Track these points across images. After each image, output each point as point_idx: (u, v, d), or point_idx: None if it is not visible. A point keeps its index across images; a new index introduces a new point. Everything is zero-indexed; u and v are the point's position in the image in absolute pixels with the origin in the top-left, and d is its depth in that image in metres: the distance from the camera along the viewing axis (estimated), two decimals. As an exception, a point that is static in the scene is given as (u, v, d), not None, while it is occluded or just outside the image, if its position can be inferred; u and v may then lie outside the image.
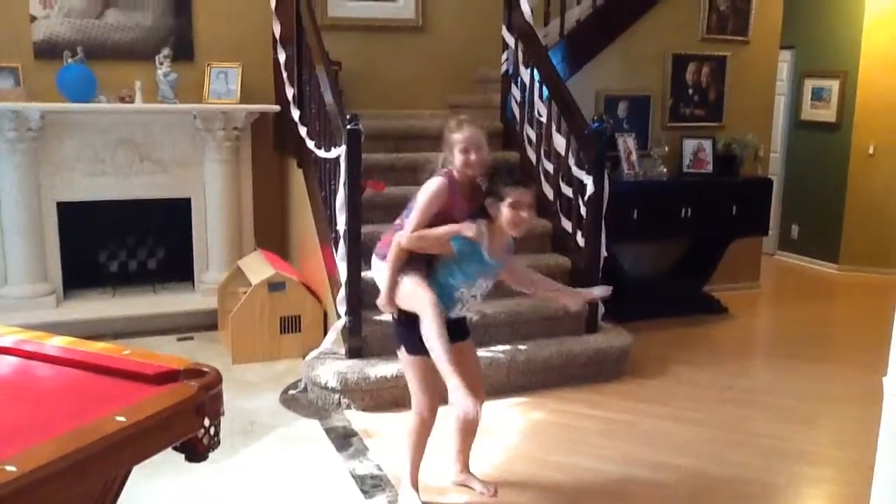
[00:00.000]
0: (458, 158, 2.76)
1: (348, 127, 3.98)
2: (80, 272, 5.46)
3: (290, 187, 5.58)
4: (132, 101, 5.17)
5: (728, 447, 3.63)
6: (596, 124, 4.54)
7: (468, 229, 2.67)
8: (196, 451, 2.12)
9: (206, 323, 5.21)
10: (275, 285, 4.67)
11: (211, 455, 3.12)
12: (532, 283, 3.08)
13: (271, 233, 5.77)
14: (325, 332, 4.57)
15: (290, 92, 5.09)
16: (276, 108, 5.41)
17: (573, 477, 3.30)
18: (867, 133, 7.06)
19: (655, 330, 5.30)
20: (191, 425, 2.04)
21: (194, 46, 5.46)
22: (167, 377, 2.13)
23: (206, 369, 2.17)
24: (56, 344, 2.36)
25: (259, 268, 4.91)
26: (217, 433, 2.16)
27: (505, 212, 2.69)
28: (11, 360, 2.31)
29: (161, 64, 5.25)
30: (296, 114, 4.96)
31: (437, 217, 2.74)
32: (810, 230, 7.59)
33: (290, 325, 4.73)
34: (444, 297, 2.75)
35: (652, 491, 3.24)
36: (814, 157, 7.50)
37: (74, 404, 1.99)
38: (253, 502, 3.09)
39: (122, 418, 1.84)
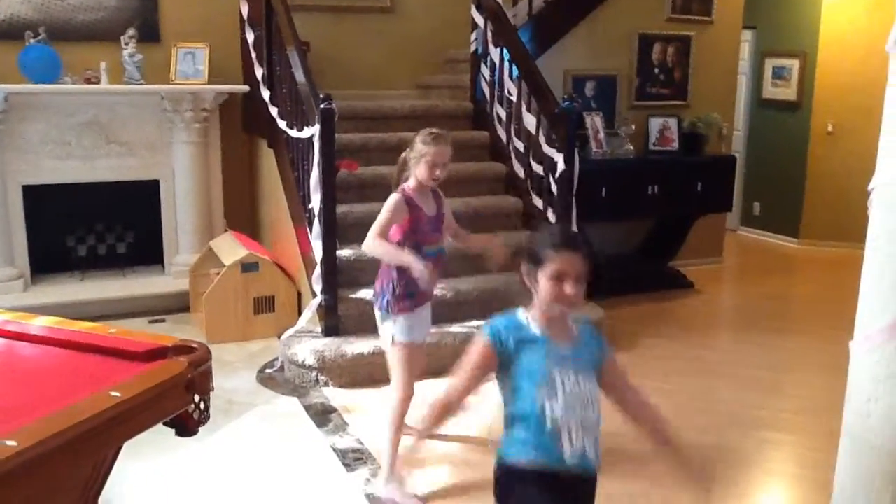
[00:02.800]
0: (423, 170, 2.93)
1: (322, 106, 3.99)
2: (48, 256, 5.40)
3: (260, 168, 5.56)
4: (98, 83, 5.11)
5: (698, 415, 3.75)
6: (566, 103, 4.60)
7: (416, 270, 2.78)
8: (186, 427, 2.14)
9: (177, 305, 5.19)
10: (248, 265, 4.68)
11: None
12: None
13: (242, 214, 5.75)
14: (300, 312, 4.60)
15: (259, 72, 5.07)
16: (245, 88, 5.38)
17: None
18: (826, 112, 7.23)
19: (625, 305, 5.41)
20: (182, 400, 2.06)
21: (160, 27, 5.40)
22: (156, 354, 2.15)
23: (194, 346, 2.19)
24: (40, 324, 2.36)
25: (231, 249, 4.90)
26: (207, 408, 2.19)
27: (543, 284, 1.95)
28: (-5, 342, 2.31)
29: (126, 45, 5.18)
30: (266, 94, 4.95)
31: (405, 221, 2.96)
32: (772, 206, 7.77)
33: (264, 305, 4.74)
34: (537, 432, 1.92)
35: (620, 456, 3.33)
36: (775, 136, 7.67)
37: (66, 382, 2.00)
38: (237, 478, 3.13)
39: (116, 394, 1.86)
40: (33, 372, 2.12)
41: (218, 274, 4.80)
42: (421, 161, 2.92)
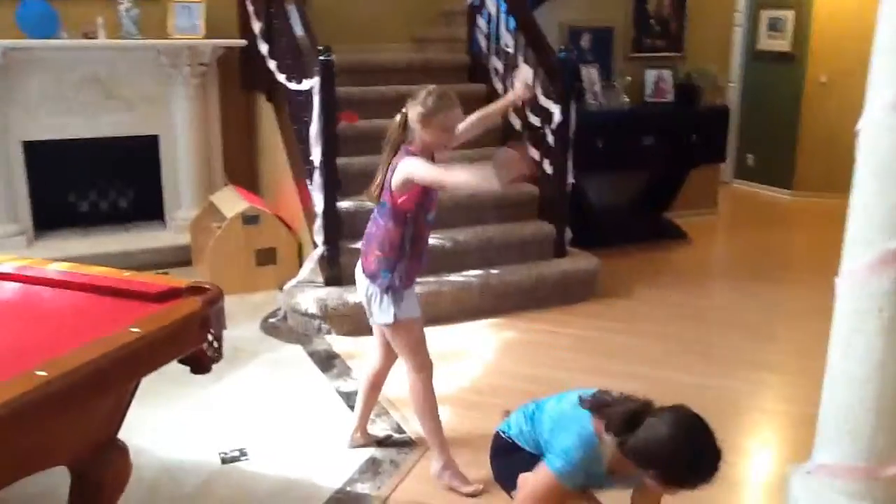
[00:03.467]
0: (434, 134, 2.63)
1: (321, 58, 4.03)
2: (51, 213, 5.45)
3: (259, 122, 5.60)
4: (95, 38, 5.12)
5: (692, 358, 3.87)
6: (562, 54, 4.64)
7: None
8: (201, 363, 2.25)
9: (179, 259, 5.26)
10: (249, 218, 4.75)
11: (199, 381, 3.28)
12: None
13: (241, 168, 5.79)
14: (301, 264, 4.69)
15: (256, 26, 5.09)
16: (243, 42, 5.39)
17: (546, 387, 3.46)
18: (821, 63, 7.26)
19: (620, 256, 5.50)
20: (197, 337, 2.17)
21: (157, -19, 5.40)
22: (170, 294, 2.25)
23: (207, 286, 2.29)
24: (56, 268, 2.45)
25: (232, 202, 4.97)
26: (220, 346, 2.29)
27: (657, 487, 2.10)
28: (14, 286, 2.40)
29: (122, 0, 5.19)
30: (264, 48, 4.97)
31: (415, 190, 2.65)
32: (765, 158, 7.84)
33: (266, 257, 4.82)
34: None
35: (622, 397, 3.47)
36: (769, 87, 7.70)
37: (86, 321, 2.10)
38: (247, 419, 3.24)
39: (136, 329, 1.95)
40: (54, 313, 2.21)
41: (219, 227, 4.88)
42: (432, 124, 2.62)
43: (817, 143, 7.34)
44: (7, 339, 2.02)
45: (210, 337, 2.21)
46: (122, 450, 2.22)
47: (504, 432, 2.41)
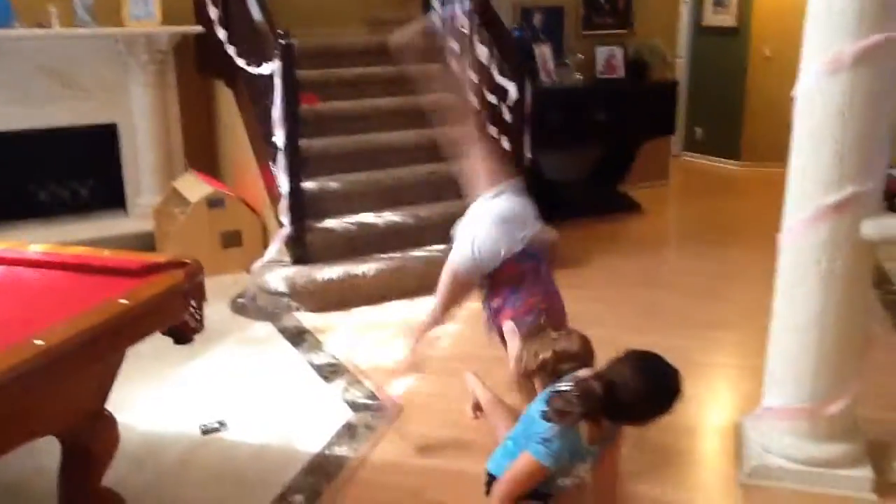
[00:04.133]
0: None
1: (281, 42, 4.11)
2: (9, 203, 5.44)
3: (218, 107, 5.64)
4: (49, 28, 5.11)
5: (647, 319, 4.07)
6: (517, 32, 4.78)
7: None
8: (184, 334, 2.35)
9: (142, 245, 5.26)
10: (214, 202, 4.82)
11: (174, 359, 3.37)
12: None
13: (201, 153, 5.82)
14: (266, 246, 4.78)
15: (213, 12, 5.12)
16: (200, 29, 5.42)
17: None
18: (764, 37, 7.50)
19: (578, 227, 5.67)
20: (180, 309, 2.27)
21: (109, -31, 5.39)
22: (151, 269, 2.34)
23: (187, 261, 2.38)
24: (36, 249, 2.52)
25: (196, 187, 5.03)
26: (202, 318, 2.39)
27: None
28: (-4, 267, 2.46)
29: (76, -12, 5.18)
30: (222, 34, 5.01)
31: None
32: (713, 131, 8.09)
33: (232, 239, 4.89)
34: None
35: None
36: (715, 62, 7.93)
37: (73, 296, 2.18)
38: (223, 395, 3.33)
39: (125, 301, 2.05)
40: (39, 290, 2.29)
41: (183, 213, 4.94)
42: None
43: (762, 114, 7.60)
44: (-4, 316, 2.10)
45: (192, 308, 2.31)
46: (110, 420, 2.32)
47: (493, 473, 2.37)
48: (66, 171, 5.64)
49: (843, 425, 2.63)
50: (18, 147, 5.33)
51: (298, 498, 2.59)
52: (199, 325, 2.37)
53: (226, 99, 5.33)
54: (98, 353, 1.99)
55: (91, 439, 2.25)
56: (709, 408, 3.31)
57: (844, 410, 2.58)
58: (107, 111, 5.44)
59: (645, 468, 2.80)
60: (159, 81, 5.49)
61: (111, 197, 5.67)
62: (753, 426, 2.79)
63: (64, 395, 2.02)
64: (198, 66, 5.74)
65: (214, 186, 4.98)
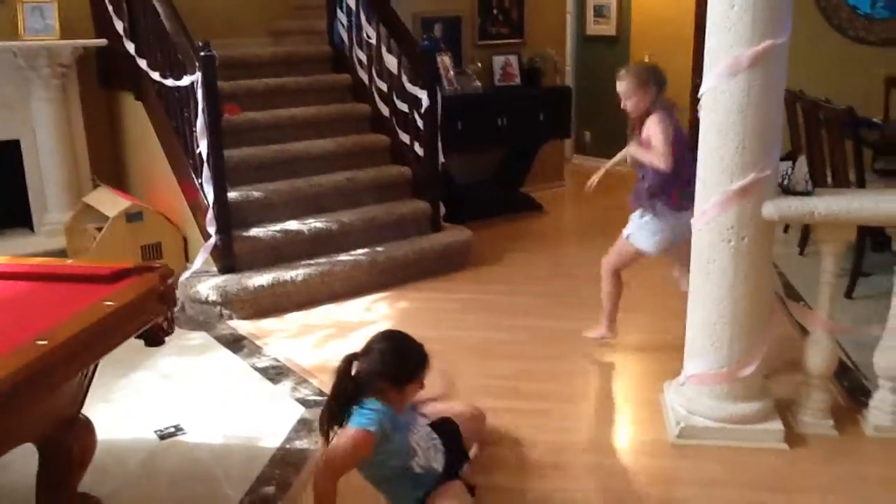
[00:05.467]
0: None
1: (202, 54, 4.16)
2: None
3: (125, 121, 5.59)
4: (-58, 42, 4.95)
5: (565, 308, 4.37)
6: (426, 43, 5.00)
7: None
8: (157, 336, 2.43)
9: (53, 264, 5.19)
10: (132, 215, 4.81)
11: (115, 371, 3.39)
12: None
13: (108, 168, 5.75)
14: (187, 257, 4.81)
15: (119, 25, 5.10)
16: (103, 42, 5.37)
17: (447, 344, 3.85)
18: (642, 44, 8.03)
19: (486, 228, 5.94)
20: (156, 311, 2.35)
21: (1, -18, 5.26)
22: (122, 275, 2.41)
23: (156, 265, 2.46)
24: (-4, 261, 2.53)
25: (111, 201, 4.99)
26: (173, 320, 2.48)
27: (410, 392, 2.52)
28: (-46, 281, 2.46)
29: (-32, 2, 5.04)
30: (131, 46, 4.99)
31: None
32: (601, 134, 8.57)
33: (152, 252, 4.88)
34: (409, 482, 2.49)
35: (514, 343, 3.93)
36: (599, 69, 8.40)
37: (55, 304, 2.23)
38: (174, 400, 3.37)
39: (110, 303, 2.12)
40: (17, 298, 2.31)
41: (97, 228, 4.89)
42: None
43: (645, 117, 8.13)
44: (-24, 326, 2.13)
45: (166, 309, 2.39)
46: (88, 424, 2.38)
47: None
48: (-35, 190, 5.46)
49: (755, 385, 2.98)
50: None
51: (269, 489, 2.71)
52: (170, 327, 2.46)
53: (135, 112, 5.29)
54: (90, 356, 2.06)
55: (70, 444, 2.30)
56: (631, 382, 3.63)
57: (756, 372, 2.93)
58: (8, 127, 5.32)
59: (581, 438, 3.06)
60: (62, 96, 5.41)
61: (15, 215, 5.52)
62: (678, 392, 3.11)
63: (53, 398, 2.07)
64: (101, 80, 5.67)
65: (130, 200, 4.95)
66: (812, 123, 4.91)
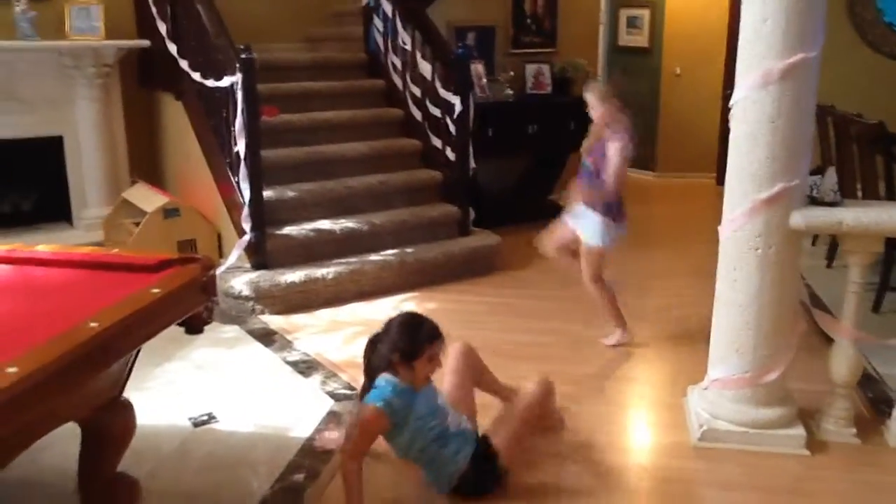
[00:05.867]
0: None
1: (242, 56, 4.28)
2: (-49, 218, 5.39)
3: (164, 120, 5.73)
4: (-8, 41, 5.12)
5: (588, 312, 4.39)
6: (460, 50, 5.10)
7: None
8: (198, 325, 2.52)
9: (91, 258, 5.33)
10: (170, 211, 4.94)
11: (152, 360, 3.48)
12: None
13: (145, 165, 5.90)
14: (220, 253, 4.92)
15: (162, 27, 5.24)
16: (146, 43, 5.52)
17: (473, 344, 3.90)
18: (674, 56, 8.09)
19: (513, 234, 5.97)
20: (199, 299, 2.45)
21: (50, -17, 5.43)
22: (166, 265, 2.51)
23: (197, 256, 2.56)
24: (45, 249, 2.64)
25: (149, 197, 5.12)
26: (213, 309, 2.57)
27: (421, 367, 2.63)
28: (6, 267, 2.57)
29: (18, 1, 5.21)
30: (173, 48, 5.13)
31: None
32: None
33: (187, 248, 5.00)
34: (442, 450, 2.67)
35: (539, 346, 4.00)
36: (630, 79, 8.45)
37: (103, 289, 2.33)
38: (208, 390, 3.47)
39: (157, 290, 2.22)
40: (66, 285, 2.42)
41: (135, 223, 5.03)
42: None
43: (674, 128, 8.18)
44: (31, 308, 2.24)
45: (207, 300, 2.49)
46: (128, 406, 2.47)
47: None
48: (8, 184, 5.62)
49: (778, 391, 3.01)
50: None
51: (299, 477, 2.79)
52: (210, 317, 2.55)
53: (174, 111, 5.43)
54: (136, 339, 2.15)
55: (111, 424, 2.40)
56: (652, 387, 3.67)
57: (780, 378, 2.97)
58: (52, 124, 5.47)
59: (604, 439, 3.11)
60: (104, 95, 5.56)
61: (55, 210, 5.68)
62: (701, 396, 3.15)
63: (99, 379, 2.17)
64: (140, 80, 5.82)
65: (166, 196, 5.08)
66: (843, 138, 4.93)
